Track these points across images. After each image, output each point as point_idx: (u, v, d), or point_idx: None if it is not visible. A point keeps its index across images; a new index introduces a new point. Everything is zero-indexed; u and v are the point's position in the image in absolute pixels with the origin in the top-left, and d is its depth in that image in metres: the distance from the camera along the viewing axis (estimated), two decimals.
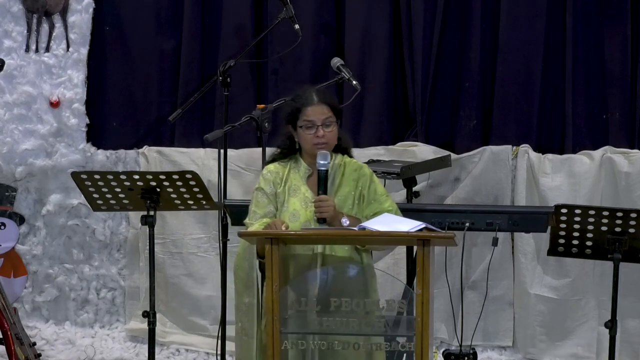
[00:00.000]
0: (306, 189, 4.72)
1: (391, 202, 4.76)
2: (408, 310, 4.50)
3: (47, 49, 6.70)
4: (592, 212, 4.91)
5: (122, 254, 6.76)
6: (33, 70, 6.69)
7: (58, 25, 6.68)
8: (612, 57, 6.38)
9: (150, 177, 5.11)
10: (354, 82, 5.75)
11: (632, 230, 4.88)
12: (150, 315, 5.21)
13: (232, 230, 5.49)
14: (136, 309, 6.61)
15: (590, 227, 4.93)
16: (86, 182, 5.16)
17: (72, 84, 6.69)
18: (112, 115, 6.78)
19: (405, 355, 4.59)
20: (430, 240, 4.41)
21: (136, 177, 5.11)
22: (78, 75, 6.70)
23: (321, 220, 4.58)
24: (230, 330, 5.98)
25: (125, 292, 6.76)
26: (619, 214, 4.87)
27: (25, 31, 6.69)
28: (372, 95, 6.51)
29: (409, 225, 4.47)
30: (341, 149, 4.83)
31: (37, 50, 6.70)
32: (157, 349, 5.60)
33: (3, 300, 5.64)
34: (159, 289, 6.31)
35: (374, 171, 4.93)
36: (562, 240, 5.02)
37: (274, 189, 4.74)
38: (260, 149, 5.91)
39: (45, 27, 6.69)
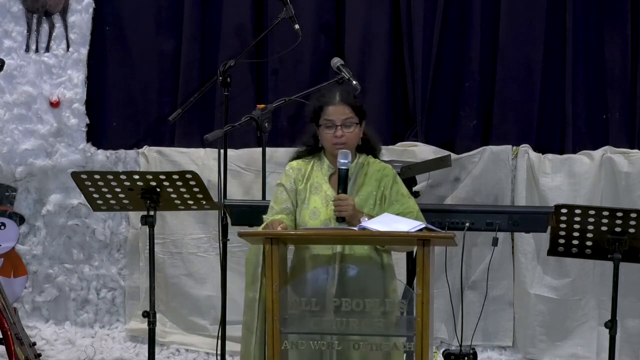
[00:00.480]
0: (328, 187, 4.72)
1: (413, 203, 4.75)
2: (408, 310, 4.49)
3: (47, 49, 6.70)
4: (592, 212, 4.90)
5: (122, 254, 6.76)
6: (33, 70, 6.69)
7: (58, 25, 6.69)
8: (612, 57, 6.38)
9: (150, 177, 5.11)
10: (354, 82, 5.75)
11: (632, 230, 4.88)
12: (150, 315, 5.21)
13: (232, 230, 5.49)
14: (136, 309, 6.61)
15: (590, 227, 4.93)
16: (86, 182, 5.16)
17: (72, 84, 6.69)
18: (112, 115, 6.78)
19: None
20: (430, 240, 4.41)
21: (136, 177, 5.11)
22: (78, 75, 6.70)
23: (340, 219, 4.57)
24: (230, 330, 5.99)
25: (125, 292, 6.76)
26: (619, 214, 4.87)
27: (25, 31, 6.70)
28: (372, 95, 6.50)
29: (409, 225, 4.46)
30: (368, 149, 4.82)
31: (37, 50, 6.70)
32: (157, 349, 5.60)
33: (3, 300, 5.64)
34: (159, 289, 6.31)
35: None
36: (562, 240, 5.02)
37: (294, 186, 4.74)
38: (260, 149, 5.93)
39: (45, 27, 6.69)
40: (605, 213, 4.89)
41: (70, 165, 6.62)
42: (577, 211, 4.91)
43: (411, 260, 5.63)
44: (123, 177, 5.12)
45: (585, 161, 6.29)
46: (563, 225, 4.96)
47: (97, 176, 5.15)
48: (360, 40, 6.56)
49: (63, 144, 6.70)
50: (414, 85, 6.50)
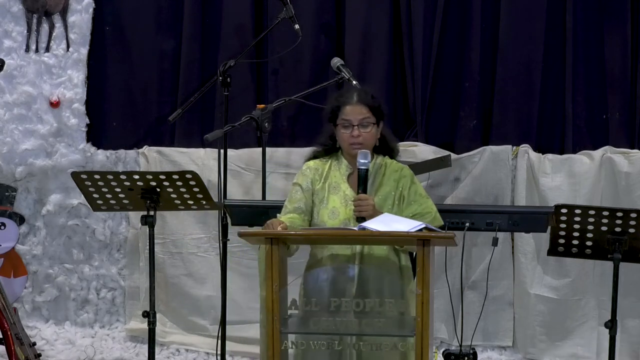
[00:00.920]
0: (347, 186, 4.72)
1: (431, 204, 4.77)
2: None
3: (47, 49, 6.70)
4: (592, 212, 4.90)
5: (122, 254, 6.76)
6: (33, 70, 6.69)
7: (58, 25, 6.69)
8: (612, 57, 6.38)
9: (150, 177, 5.11)
10: (354, 82, 5.75)
11: (632, 230, 4.88)
12: (150, 315, 5.21)
13: (232, 230, 5.49)
14: (136, 309, 6.61)
15: (590, 227, 4.92)
16: (86, 182, 5.16)
17: (72, 84, 6.69)
18: (112, 115, 6.78)
19: None
20: (430, 240, 4.41)
21: (136, 177, 5.11)
22: (78, 75, 6.70)
23: (360, 219, 4.57)
24: (230, 330, 6.00)
25: (125, 292, 6.76)
26: (619, 214, 4.87)
27: (25, 31, 6.70)
28: None
29: (409, 225, 4.47)
30: (385, 150, 4.83)
31: (37, 50, 6.70)
32: (157, 349, 5.60)
33: (3, 300, 5.64)
34: (159, 289, 6.31)
35: None
36: (562, 240, 5.02)
37: (311, 186, 4.74)
38: (260, 149, 5.93)
39: (45, 27, 6.69)
40: (605, 213, 4.89)
41: (70, 165, 6.62)
42: (577, 211, 4.91)
43: (411, 260, 5.64)
44: (123, 177, 5.11)
45: (585, 161, 6.29)
46: (563, 225, 4.96)
47: (97, 176, 5.15)
48: (360, 40, 6.56)
49: (63, 144, 6.70)
50: (414, 85, 6.50)
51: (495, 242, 5.21)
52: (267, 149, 5.99)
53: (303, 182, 4.76)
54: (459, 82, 6.52)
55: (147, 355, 5.23)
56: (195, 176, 5.08)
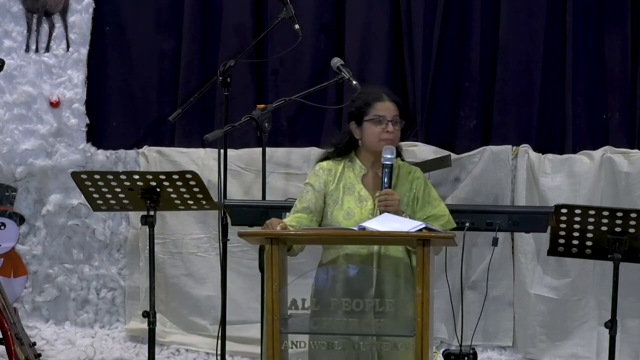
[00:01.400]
0: (361, 187, 4.73)
1: (444, 207, 4.79)
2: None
3: (47, 49, 6.70)
4: (592, 212, 4.91)
5: (122, 254, 6.76)
6: (33, 70, 6.69)
7: (58, 25, 6.69)
8: (612, 57, 6.38)
9: (150, 177, 5.11)
10: (354, 82, 5.75)
11: (632, 230, 4.88)
12: (150, 315, 5.21)
13: (232, 230, 5.49)
14: (136, 309, 6.61)
15: (590, 227, 4.93)
16: (86, 182, 5.16)
17: (72, 84, 6.69)
18: (112, 115, 6.78)
19: None
20: (430, 240, 4.41)
21: (136, 177, 5.11)
22: (78, 75, 6.70)
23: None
24: (230, 330, 6.00)
25: (125, 292, 6.76)
26: (619, 214, 4.87)
27: (25, 31, 6.70)
28: None
29: (409, 225, 4.47)
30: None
31: (37, 50, 6.70)
32: (157, 349, 5.60)
33: (3, 300, 5.64)
34: (159, 289, 6.31)
35: None
36: (562, 240, 5.02)
37: (324, 187, 4.74)
38: (260, 149, 5.93)
39: (45, 27, 6.69)
40: (605, 213, 4.89)
41: (70, 165, 6.62)
42: (577, 211, 4.91)
43: None
44: (123, 177, 5.12)
45: (585, 161, 6.29)
46: (563, 225, 4.96)
47: (97, 176, 5.15)
48: (360, 40, 6.56)
49: (63, 144, 6.70)
50: (414, 85, 6.50)
51: (495, 242, 5.22)
52: (267, 149, 5.99)
53: (315, 183, 4.76)
54: (459, 82, 6.52)
55: (147, 355, 5.24)
56: (195, 176, 5.09)
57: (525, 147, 6.35)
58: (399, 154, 4.84)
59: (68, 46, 6.70)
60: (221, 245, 5.66)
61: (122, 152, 6.73)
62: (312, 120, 6.61)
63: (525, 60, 6.42)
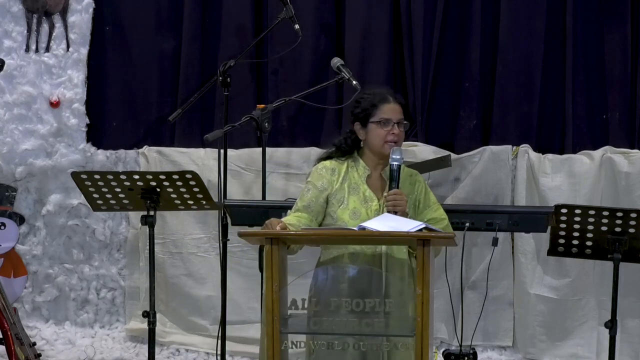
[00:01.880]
0: (365, 188, 4.73)
1: (442, 211, 4.81)
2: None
3: (47, 49, 6.70)
4: (592, 212, 4.91)
5: (122, 254, 6.76)
6: (33, 70, 6.69)
7: (58, 25, 6.69)
8: (612, 57, 6.38)
9: (150, 177, 5.11)
10: (354, 82, 5.76)
11: (632, 230, 4.88)
12: (150, 315, 5.22)
13: (232, 230, 5.49)
14: (136, 309, 6.61)
15: (590, 227, 4.93)
16: (86, 182, 5.16)
17: (72, 84, 6.69)
18: (112, 115, 6.78)
19: None
20: (430, 240, 4.41)
21: (136, 177, 5.12)
22: (78, 75, 6.70)
23: (393, 214, 4.57)
24: (230, 330, 6.00)
25: (125, 292, 6.76)
26: (619, 214, 4.87)
27: (25, 31, 6.69)
28: None
29: (409, 225, 4.47)
30: None
31: (37, 50, 6.70)
32: (157, 349, 5.61)
33: (3, 300, 5.64)
34: (159, 289, 6.31)
35: None
36: (562, 240, 5.02)
37: (327, 186, 4.73)
38: (260, 149, 5.93)
39: (45, 27, 6.69)
40: (605, 213, 4.89)
41: (70, 165, 6.62)
42: (577, 211, 4.91)
43: None
44: (123, 177, 5.12)
45: (585, 161, 6.29)
46: (563, 225, 4.96)
47: (97, 176, 5.15)
48: (360, 40, 6.56)
49: (63, 144, 6.70)
50: (414, 85, 6.50)
51: (495, 242, 5.22)
52: (267, 149, 5.99)
53: (318, 182, 4.74)
54: (459, 82, 6.52)
55: (147, 355, 5.24)
56: (195, 176, 5.09)
57: (525, 147, 6.35)
58: None
59: (68, 46, 6.70)
60: (221, 245, 5.66)
61: (122, 152, 6.73)
62: (312, 120, 6.61)
63: (525, 60, 6.42)
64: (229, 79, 6.02)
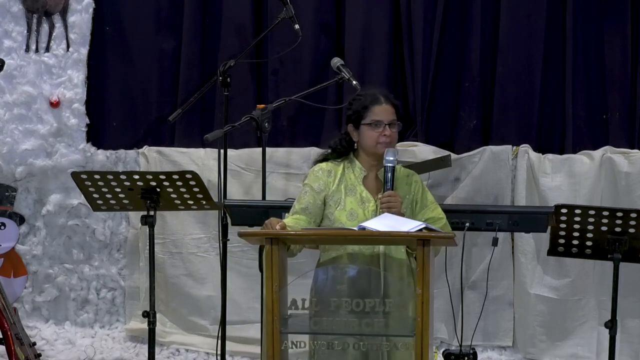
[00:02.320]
0: (362, 189, 4.73)
1: (440, 210, 4.81)
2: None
3: (47, 49, 6.70)
4: (592, 212, 4.91)
5: (122, 254, 6.76)
6: (33, 70, 6.69)
7: (58, 25, 6.69)
8: (612, 57, 6.38)
9: (150, 177, 5.11)
10: (354, 82, 5.76)
11: (632, 230, 4.88)
12: (150, 315, 5.22)
13: (232, 230, 5.49)
14: (136, 309, 6.61)
15: (590, 227, 4.93)
16: (86, 182, 5.16)
17: (72, 84, 6.69)
18: (112, 115, 6.78)
19: None
20: (430, 240, 4.41)
21: (136, 177, 5.12)
22: (78, 75, 6.70)
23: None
24: (230, 330, 6.00)
25: (125, 292, 6.76)
26: (619, 214, 4.87)
27: (25, 31, 6.69)
28: None
29: (409, 225, 4.47)
30: None
31: (37, 50, 6.70)
32: (157, 349, 5.60)
33: (3, 300, 5.64)
34: (159, 289, 6.31)
35: None
36: (562, 240, 5.02)
37: (324, 188, 4.73)
38: (260, 149, 5.93)
39: (45, 27, 6.69)
40: (605, 213, 4.89)
41: (70, 165, 6.62)
42: (577, 211, 4.91)
43: None
44: (123, 177, 5.12)
45: (585, 161, 6.29)
46: (563, 225, 4.96)
47: (97, 176, 5.15)
48: (360, 40, 6.56)
49: (63, 144, 6.70)
50: (414, 85, 6.50)
51: (495, 242, 5.22)
52: (267, 149, 5.99)
53: (314, 184, 4.75)
54: (459, 82, 6.52)
55: (147, 355, 5.24)
56: (195, 176, 5.09)
57: (525, 147, 6.35)
58: None
59: (68, 46, 6.69)
60: (221, 245, 5.66)
61: (122, 152, 6.73)
62: (312, 120, 6.61)
63: (525, 60, 6.42)
64: (229, 79, 6.02)
